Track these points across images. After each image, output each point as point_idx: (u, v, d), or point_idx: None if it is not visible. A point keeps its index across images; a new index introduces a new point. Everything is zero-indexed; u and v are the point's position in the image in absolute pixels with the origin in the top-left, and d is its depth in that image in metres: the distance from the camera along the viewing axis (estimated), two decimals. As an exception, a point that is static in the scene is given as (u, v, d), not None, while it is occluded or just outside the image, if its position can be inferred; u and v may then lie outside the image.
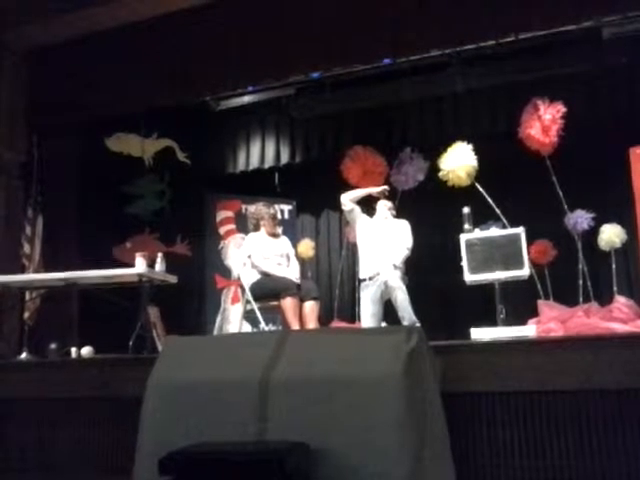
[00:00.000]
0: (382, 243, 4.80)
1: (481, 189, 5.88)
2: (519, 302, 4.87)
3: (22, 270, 5.16)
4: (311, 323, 4.53)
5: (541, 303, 5.13)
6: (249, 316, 4.87)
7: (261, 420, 2.21)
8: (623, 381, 2.51)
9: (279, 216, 5.86)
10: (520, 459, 2.55)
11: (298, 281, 4.70)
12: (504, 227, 5.09)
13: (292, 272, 4.82)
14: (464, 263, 4.11)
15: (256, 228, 4.98)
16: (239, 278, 4.87)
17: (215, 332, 6.17)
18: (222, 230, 6.76)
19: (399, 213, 5.18)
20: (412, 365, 2.16)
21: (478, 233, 4.24)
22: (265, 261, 4.73)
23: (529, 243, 4.39)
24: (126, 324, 4.27)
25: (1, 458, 3.31)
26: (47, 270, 5.09)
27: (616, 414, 2.50)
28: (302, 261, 6.23)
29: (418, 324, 4.30)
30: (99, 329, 5.10)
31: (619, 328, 4.46)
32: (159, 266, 4.35)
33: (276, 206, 5.76)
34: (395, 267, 4.66)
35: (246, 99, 6.58)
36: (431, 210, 6.19)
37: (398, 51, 5.08)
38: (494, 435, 2.60)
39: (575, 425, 2.52)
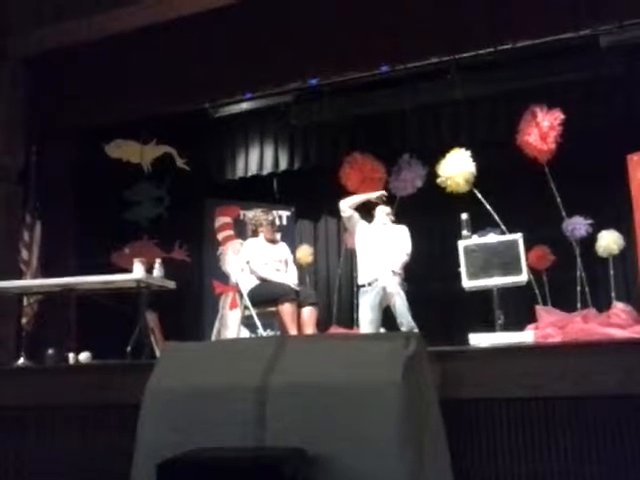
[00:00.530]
0: (381, 249, 4.80)
1: (479, 195, 5.89)
2: (517, 308, 4.89)
3: (20, 276, 5.15)
4: (309, 329, 4.52)
5: (539, 309, 5.13)
6: (247, 322, 4.87)
7: (259, 426, 2.20)
8: (621, 387, 2.50)
9: (277, 222, 5.87)
10: (519, 465, 2.55)
11: (296, 287, 4.71)
12: (502, 233, 5.10)
13: (290, 278, 4.82)
14: (462, 269, 4.12)
15: (254, 234, 4.98)
16: (237, 284, 4.87)
17: (213, 338, 6.16)
18: (220, 236, 6.77)
19: (398, 219, 5.19)
20: (411, 371, 2.16)
21: (476, 239, 4.25)
22: (263, 267, 4.73)
23: (527, 249, 4.40)
24: (124, 330, 4.27)
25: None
26: (45, 276, 5.08)
27: (615, 420, 2.49)
28: (300, 267, 6.23)
29: (416, 330, 4.30)
30: (97, 335, 5.09)
31: (617, 334, 4.46)
32: (157, 272, 4.34)
33: (275, 212, 5.76)
34: (394, 273, 4.67)
35: (244, 106, 6.61)
36: (429, 216, 6.21)
37: (396, 58, 5.11)
38: (493, 441, 2.59)
39: (574, 431, 2.51)
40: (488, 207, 5.84)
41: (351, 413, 2.12)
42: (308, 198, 6.98)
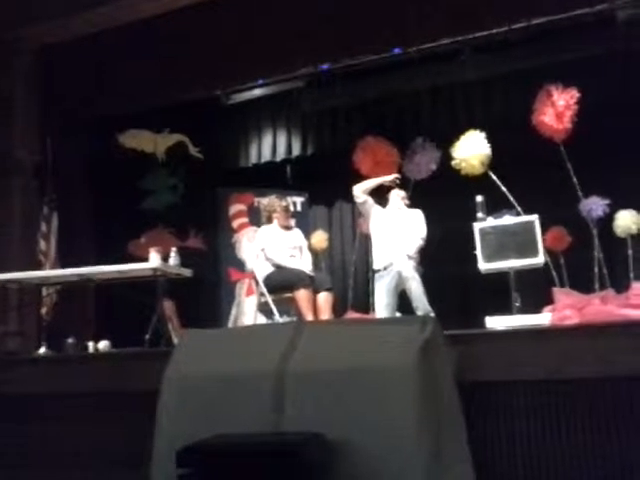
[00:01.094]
0: (396, 233, 4.79)
1: (494, 177, 5.83)
2: (534, 290, 4.83)
3: (38, 266, 5.22)
4: (325, 314, 4.54)
5: (557, 291, 5.05)
6: (264, 308, 4.89)
7: (277, 411, 2.22)
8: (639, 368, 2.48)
9: (291, 208, 5.86)
10: (537, 448, 2.54)
11: (311, 273, 4.71)
12: (518, 215, 5.05)
13: (305, 264, 4.83)
14: (478, 252, 4.09)
15: (269, 221, 4.99)
16: (253, 271, 4.89)
17: (230, 324, 6.21)
18: (235, 223, 6.78)
19: (412, 203, 5.16)
20: (427, 355, 2.16)
21: (492, 221, 4.21)
22: (278, 253, 4.74)
23: (544, 231, 4.35)
24: (142, 318, 4.31)
25: (21, 453, 3.36)
26: (63, 266, 5.14)
27: (632, 401, 2.48)
28: (315, 253, 6.23)
29: (432, 314, 4.29)
30: (115, 323, 5.16)
31: (636, 315, 4.41)
32: (173, 260, 4.37)
33: (288, 198, 5.76)
34: (409, 257, 4.65)
35: (256, 92, 6.58)
36: (444, 200, 6.15)
37: (408, 40, 5.06)
38: (511, 424, 2.59)
39: (593, 413, 2.50)
40: (503, 189, 5.78)
41: (368, 398, 2.12)
42: (322, 183, 6.96)
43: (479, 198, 4.32)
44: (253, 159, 6.90)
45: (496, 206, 4.98)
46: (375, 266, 4.86)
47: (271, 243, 4.79)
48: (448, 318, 3.13)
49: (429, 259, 5.02)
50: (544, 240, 4.25)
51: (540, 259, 4.00)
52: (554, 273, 5.53)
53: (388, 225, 4.87)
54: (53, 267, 5.26)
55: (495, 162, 5.84)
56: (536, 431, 2.55)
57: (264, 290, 4.66)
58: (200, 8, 4.96)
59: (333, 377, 2.20)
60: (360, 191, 4.93)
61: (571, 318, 4.41)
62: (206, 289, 6.39)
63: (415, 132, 6.30)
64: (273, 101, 6.72)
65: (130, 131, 6.40)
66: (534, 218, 4.08)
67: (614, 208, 5.59)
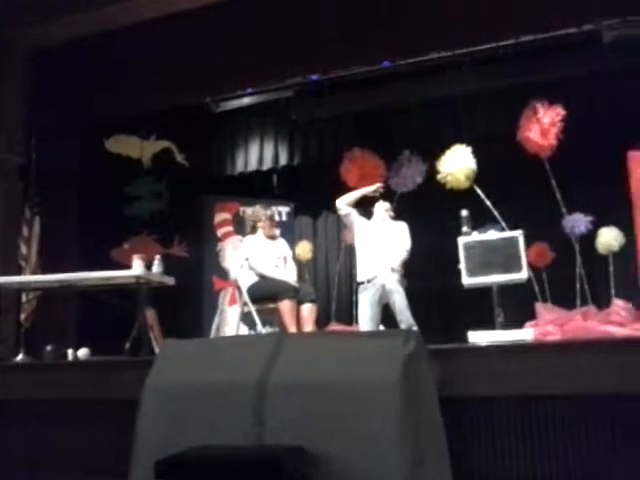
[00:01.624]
0: (380, 246, 4.79)
1: (480, 192, 5.87)
2: (517, 305, 4.86)
3: (19, 271, 5.15)
4: (308, 326, 4.52)
5: (539, 306, 5.12)
6: (246, 318, 4.86)
7: (258, 423, 2.20)
8: (621, 385, 2.50)
9: (277, 218, 5.85)
10: (517, 464, 2.54)
11: (295, 284, 4.70)
12: (502, 230, 5.08)
13: (289, 274, 4.82)
14: (462, 266, 4.09)
15: (254, 230, 4.97)
16: (236, 280, 4.86)
17: (212, 334, 6.14)
18: (220, 232, 6.75)
19: (397, 216, 5.17)
20: (410, 369, 2.15)
21: (476, 236, 4.23)
22: (262, 263, 4.72)
23: (527, 246, 4.38)
24: (123, 326, 4.26)
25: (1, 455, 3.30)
26: (44, 271, 5.07)
27: (614, 418, 2.49)
28: (300, 263, 6.22)
29: (416, 327, 4.29)
30: (96, 331, 5.10)
31: (617, 331, 4.45)
32: (157, 268, 4.33)
33: (274, 208, 5.75)
34: (393, 270, 4.65)
35: (245, 101, 6.59)
36: (429, 213, 6.19)
37: (397, 54, 5.09)
38: (492, 439, 2.59)
39: (573, 429, 2.51)
40: (488, 203, 5.82)
41: (350, 411, 2.11)
42: (308, 194, 6.97)
43: (464, 212, 4.34)
44: (239, 167, 6.89)
45: (481, 220, 5.02)
46: (359, 278, 4.86)
47: (255, 253, 4.77)
48: (431, 332, 3.15)
49: (413, 272, 5.03)
50: (526, 255, 4.28)
51: (524, 274, 4.02)
52: (537, 288, 5.57)
53: (372, 237, 4.87)
54: (34, 272, 5.19)
55: (480, 177, 5.89)
56: (517, 447, 2.55)
57: (247, 300, 4.63)
58: (191, 16, 4.97)
59: (315, 389, 2.19)
60: (343, 204, 4.94)
61: (553, 334, 4.45)
62: (189, 297, 6.35)
63: (402, 145, 6.34)
64: (261, 110, 6.73)
65: (116, 137, 6.36)
66: (518, 233, 4.10)
67: (597, 225, 5.65)
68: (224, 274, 6.48)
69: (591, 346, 2.82)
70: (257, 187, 6.86)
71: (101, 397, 3.21)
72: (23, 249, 5.30)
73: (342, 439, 2.09)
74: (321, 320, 5.38)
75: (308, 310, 4.57)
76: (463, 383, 2.63)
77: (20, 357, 4.23)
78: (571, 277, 5.67)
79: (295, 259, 5.44)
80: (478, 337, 3.41)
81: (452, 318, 5.96)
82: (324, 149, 6.62)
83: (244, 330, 5.23)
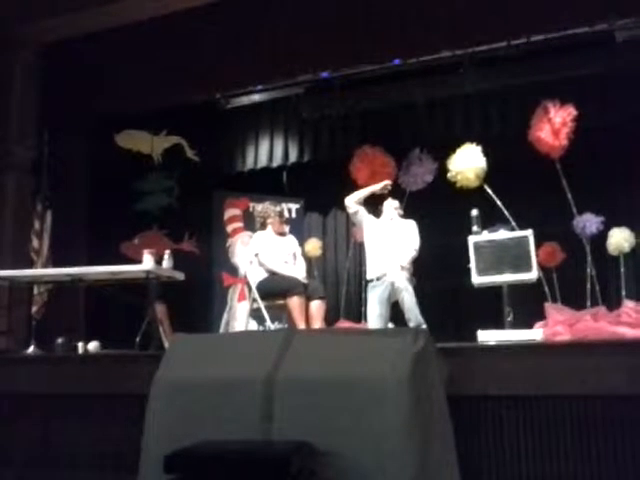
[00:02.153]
0: (389, 244, 4.79)
1: (490, 191, 5.85)
2: (526, 305, 4.84)
3: (30, 264, 5.18)
4: (317, 322, 4.53)
5: (548, 306, 5.08)
6: (255, 314, 4.88)
7: (266, 419, 2.21)
8: (630, 387, 2.49)
9: (286, 215, 5.87)
10: (526, 464, 2.54)
11: (305, 280, 4.71)
12: (512, 229, 5.06)
13: (298, 271, 4.83)
14: (472, 265, 4.09)
15: (263, 227, 4.98)
16: (246, 276, 4.88)
17: (221, 329, 6.18)
18: (229, 228, 6.77)
19: (407, 214, 5.16)
20: (418, 367, 2.16)
21: (486, 235, 4.21)
22: (272, 259, 4.73)
23: (537, 246, 4.36)
24: (133, 320, 4.29)
25: (7, 451, 3.33)
26: (55, 265, 5.11)
27: (623, 419, 2.48)
28: (309, 260, 6.23)
29: (424, 326, 4.29)
30: (106, 324, 5.14)
31: (627, 332, 4.42)
32: (166, 263, 4.34)
33: (284, 205, 5.77)
34: (402, 268, 4.65)
35: (256, 98, 6.59)
36: (439, 212, 6.17)
37: (408, 51, 5.08)
38: (500, 439, 2.59)
39: (582, 430, 2.51)
40: (498, 203, 5.80)
41: (358, 408, 2.12)
42: (317, 191, 6.97)
43: (474, 212, 4.32)
44: (249, 164, 6.90)
45: (491, 220, 5.00)
46: (368, 276, 4.86)
47: (265, 249, 4.79)
48: (440, 331, 3.14)
49: (423, 271, 5.03)
50: (537, 255, 4.26)
51: (534, 274, 4.00)
52: (546, 289, 5.54)
53: (381, 235, 4.87)
54: (45, 265, 5.22)
55: (491, 176, 5.87)
56: (526, 446, 2.55)
57: (257, 296, 4.65)
58: (203, 11, 4.98)
59: (324, 386, 2.19)
60: (352, 202, 4.94)
61: (562, 334, 4.43)
62: (198, 293, 6.37)
63: (412, 143, 6.33)
64: (272, 107, 6.74)
65: (127, 131, 6.39)
66: (528, 233, 4.08)
67: (608, 225, 5.62)
68: (233, 270, 6.51)
69: (601, 347, 2.81)
70: (267, 184, 6.86)
71: (111, 391, 3.24)
72: (35, 242, 5.34)
73: (350, 436, 2.09)
74: (330, 317, 5.38)
75: (317, 307, 4.58)
76: (471, 382, 2.63)
77: (31, 349, 4.27)
78: (581, 277, 5.64)
79: (304, 256, 5.45)
80: (487, 336, 3.40)
81: (461, 317, 5.95)
82: (334, 146, 6.61)
83: (253, 326, 5.26)
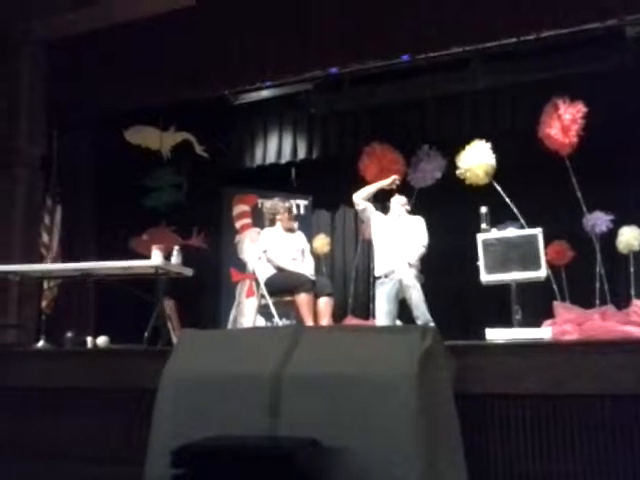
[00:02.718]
0: (397, 241, 4.78)
1: (499, 188, 5.83)
2: (535, 303, 4.83)
3: (40, 259, 5.22)
4: (325, 319, 4.53)
5: (557, 305, 5.08)
6: (263, 310, 4.89)
7: (273, 415, 2.21)
8: (639, 386, 2.48)
9: (295, 211, 5.87)
10: (533, 463, 2.54)
11: (313, 277, 4.71)
12: (522, 227, 5.05)
13: (307, 268, 4.83)
14: (480, 263, 4.08)
15: (272, 223, 4.99)
16: (254, 272, 4.89)
17: (229, 325, 6.20)
18: (238, 224, 6.78)
19: (416, 211, 5.15)
20: (426, 365, 2.15)
21: (495, 233, 4.21)
22: (280, 256, 4.74)
23: (546, 244, 4.35)
24: (142, 316, 4.31)
25: (16, 444, 3.36)
26: (64, 260, 5.14)
27: (631, 419, 2.47)
28: (317, 257, 6.23)
29: (432, 323, 4.28)
30: (115, 320, 5.16)
31: (636, 332, 4.41)
32: (175, 259, 4.37)
33: (292, 201, 5.76)
34: (410, 265, 4.65)
35: (264, 94, 6.59)
36: (448, 209, 6.16)
37: (417, 48, 5.06)
38: (507, 437, 2.58)
39: (590, 430, 2.50)
40: (508, 200, 5.78)
41: (366, 405, 2.12)
42: (326, 188, 6.96)
43: (483, 209, 4.31)
44: (258, 160, 6.90)
45: (500, 217, 4.99)
46: (376, 273, 4.86)
47: (274, 245, 4.79)
48: (448, 328, 3.13)
49: (431, 268, 5.02)
50: (545, 254, 4.25)
51: (542, 272, 3.99)
52: (555, 287, 5.52)
53: (389, 232, 4.87)
54: (55, 260, 5.26)
55: (500, 173, 5.85)
56: (533, 445, 2.54)
57: (265, 292, 4.66)
58: (211, 6, 4.98)
59: (331, 383, 2.19)
60: (360, 198, 4.93)
61: (571, 333, 4.42)
62: (206, 289, 6.39)
63: (421, 140, 6.31)
64: (281, 103, 6.73)
65: (136, 127, 6.40)
66: (537, 231, 4.07)
67: (618, 224, 5.58)
68: (241, 266, 6.52)
69: (609, 346, 2.80)
70: (275, 180, 6.86)
71: (119, 385, 3.25)
72: (45, 238, 5.38)
73: (357, 433, 2.10)
74: (337, 314, 5.38)
75: (325, 303, 4.58)
76: (479, 380, 2.62)
77: (41, 343, 4.30)
78: (590, 276, 5.61)
79: (312, 253, 5.45)
80: (495, 334, 3.40)
81: (469, 315, 5.93)
82: (343, 143, 6.60)
83: (261, 322, 5.27)
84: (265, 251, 4.79)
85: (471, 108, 6.19)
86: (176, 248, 4.46)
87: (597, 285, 5.56)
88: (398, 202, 5.02)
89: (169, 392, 2.42)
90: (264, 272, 4.77)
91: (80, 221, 5.89)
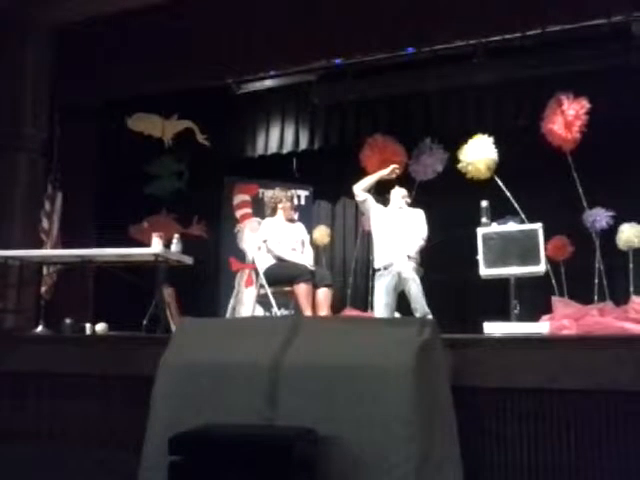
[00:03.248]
0: (396, 233, 4.78)
1: (500, 183, 5.83)
2: (533, 298, 4.84)
3: (40, 245, 5.22)
4: (324, 310, 4.55)
5: (555, 300, 5.08)
6: (262, 300, 4.90)
7: (271, 404, 2.23)
8: (635, 382, 2.49)
9: (295, 201, 5.86)
10: (528, 456, 2.55)
11: (312, 268, 4.72)
12: (522, 222, 5.04)
13: (306, 258, 4.84)
14: (480, 257, 4.08)
15: (274, 212, 4.99)
16: (254, 262, 4.90)
17: (228, 314, 6.21)
18: (238, 213, 6.78)
19: (416, 204, 5.15)
20: (424, 357, 2.17)
21: (495, 227, 4.21)
22: (280, 246, 4.74)
23: (546, 239, 4.35)
24: (141, 303, 4.31)
25: (14, 429, 3.38)
26: (64, 246, 5.14)
27: (627, 414, 2.48)
28: (317, 248, 6.23)
29: (430, 316, 4.29)
30: (114, 306, 5.17)
31: (633, 328, 4.42)
32: (175, 247, 4.37)
33: (293, 191, 5.75)
34: (409, 258, 4.65)
35: (267, 83, 6.56)
36: (449, 202, 6.14)
37: (422, 40, 5.05)
38: (503, 431, 2.60)
39: (585, 424, 2.51)
40: (508, 195, 5.78)
41: (362, 396, 2.13)
42: (327, 179, 6.95)
43: (484, 203, 4.31)
44: (260, 150, 6.88)
45: (500, 212, 4.98)
46: (375, 265, 4.86)
47: (274, 235, 4.80)
48: (446, 321, 3.14)
49: (430, 261, 5.02)
50: (545, 249, 4.25)
51: (542, 267, 4.00)
52: (554, 282, 5.53)
53: (389, 224, 4.86)
54: (55, 246, 5.26)
55: (501, 167, 5.84)
56: (528, 439, 2.56)
57: (264, 282, 4.66)
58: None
59: (328, 373, 2.21)
60: (360, 189, 4.93)
61: (569, 328, 4.42)
62: (206, 277, 6.40)
63: (423, 133, 6.28)
64: (283, 93, 6.69)
65: (138, 115, 6.38)
66: (538, 226, 4.07)
67: (618, 220, 5.58)
68: (241, 255, 6.53)
69: (606, 341, 2.81)
70: (276, 170, 6.85)
71: (117, 372, 3.27)
72: (45, 223, 5.37)
73: (354, 424, 2.11)
74: (336, 305, 5.39)
75: (324, 294, 4.59)
76: (476, 373, 2.64)
77: (40, 329, 4.31)
78: (590, 272, 5.61)
79: (312, 243, 5.46)
80: (493, 328, 3.41)
81: (468, 308, 5.93)
82: (345, 134, 6.58)
83: (259, 312, 5.28)
84: (265, 241, 4.79)
85: (474, 102, 6.17)
86: (176, 236, 4.47)
87: (596, 281, 5.57)
88: (398, 194, 5.02)
89: (167, 379, 2.43)
90: (264, 262, 4.78)
91: (80, 207, 5.89)
